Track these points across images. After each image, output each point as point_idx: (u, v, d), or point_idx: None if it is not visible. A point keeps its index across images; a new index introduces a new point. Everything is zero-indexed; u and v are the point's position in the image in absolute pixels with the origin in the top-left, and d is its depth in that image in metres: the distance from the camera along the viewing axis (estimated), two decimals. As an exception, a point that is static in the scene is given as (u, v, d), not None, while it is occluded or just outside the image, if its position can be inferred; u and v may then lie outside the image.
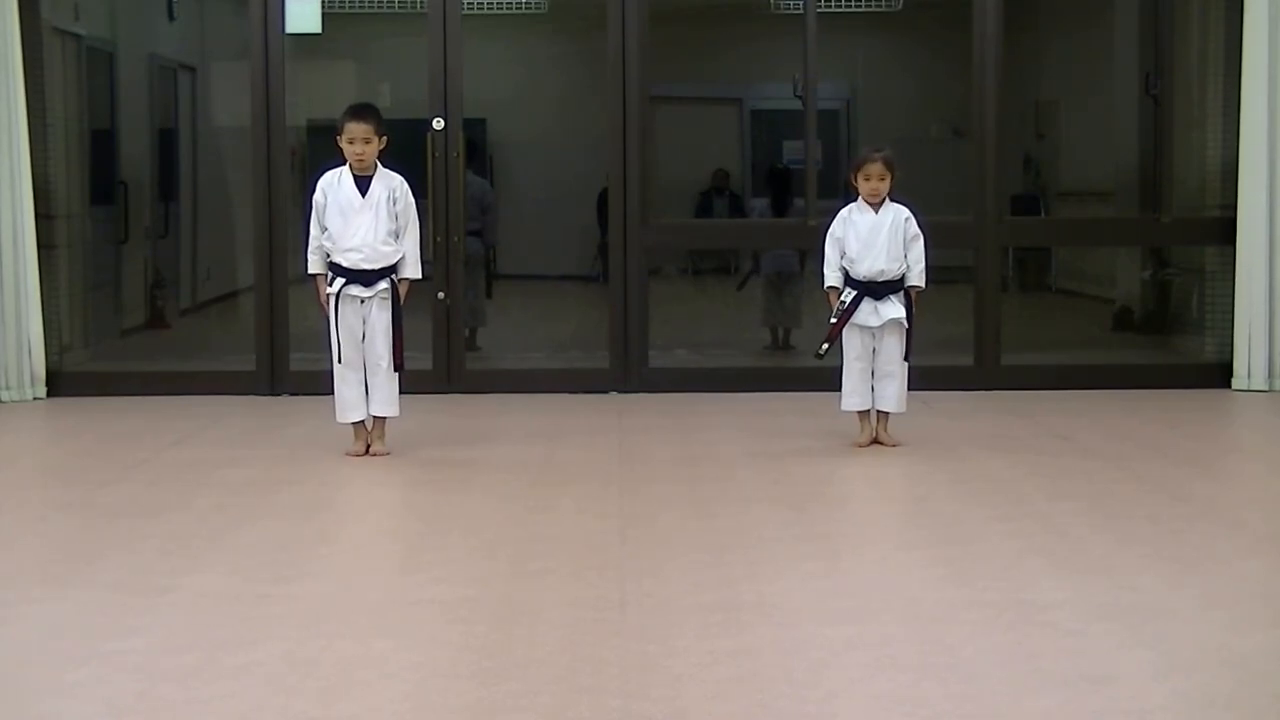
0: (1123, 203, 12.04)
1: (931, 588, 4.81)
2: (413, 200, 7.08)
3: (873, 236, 7.12)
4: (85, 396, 9.09)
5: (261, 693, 3.84)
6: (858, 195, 7.22)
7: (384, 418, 7.08)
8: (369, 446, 7.06)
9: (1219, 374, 9.21)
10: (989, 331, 9.29)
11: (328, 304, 6.97)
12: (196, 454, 7.31)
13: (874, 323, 7.14)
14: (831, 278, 7.20)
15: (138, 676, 3.96)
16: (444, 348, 9.16)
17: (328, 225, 6.94)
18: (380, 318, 6.98)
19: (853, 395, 7.22)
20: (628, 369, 9.27)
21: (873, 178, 7.16)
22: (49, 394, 9.07)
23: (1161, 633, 4.29)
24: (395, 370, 7.02)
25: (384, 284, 6.96)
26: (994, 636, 4.26)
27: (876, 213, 7.15)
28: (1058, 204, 14.43)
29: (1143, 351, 10.70)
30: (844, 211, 7.24)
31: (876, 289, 7.12)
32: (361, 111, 7.01)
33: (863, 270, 7.13)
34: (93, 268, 10.60)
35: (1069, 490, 6.29)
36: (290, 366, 9.16)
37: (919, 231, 7.16)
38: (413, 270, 7.05)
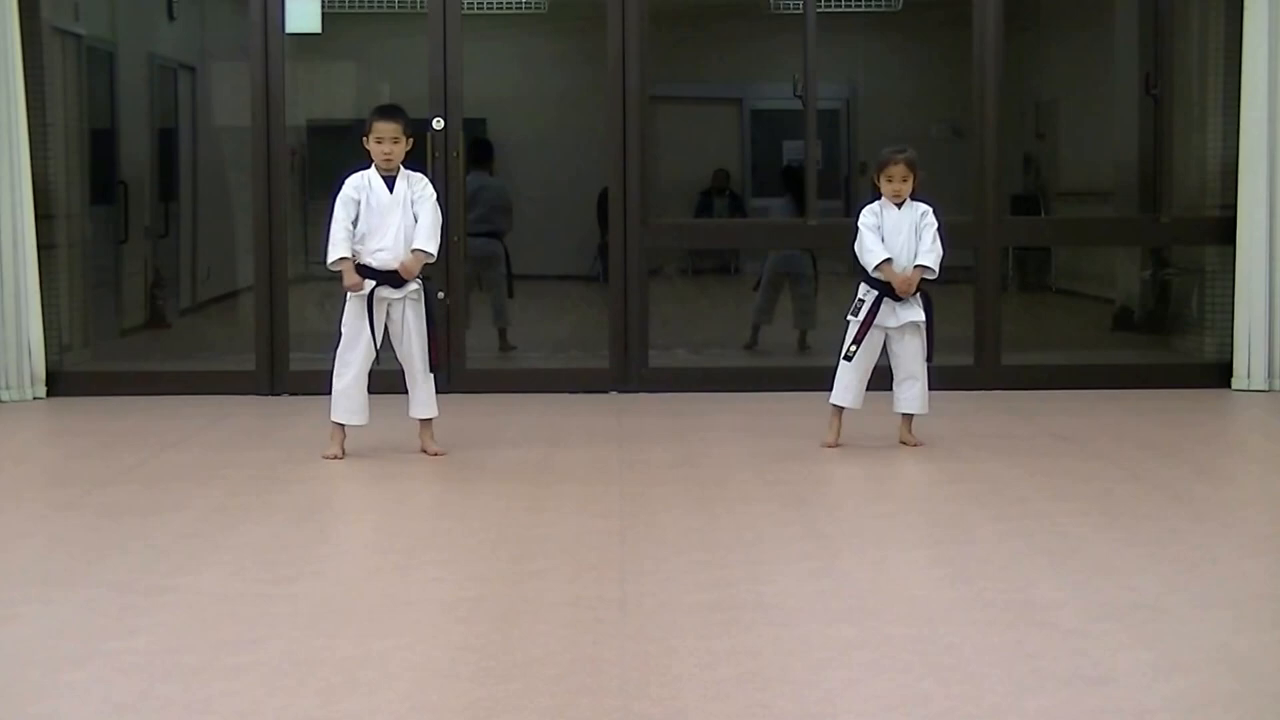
0: (1123, 203, 12.04)
1: (931, 588, 4.81)
2: (430, 190, 7.05)
3: (893, 236, 7.12)
4: (85, 396, 9.09)
5: (261, 693, 3.84)
6: (880, 195, 7.22)
7: (429, 419, 7.09)
8: (344, 451, 7.06)
9: (1219, 374, 9.21)
10: (989, 331, 9.29)
11: (360, 287, 6.88)
12: (196, 454, 7.31)
13: (891, 323, 7.14)
14: (881, 253, 7.08)
15: (138, 676, 3.96)
16: (444, 348, 9.14)
17: (361, 225, 6.90)
18: (414, 319, 6.97)
19: (846, 391, 7.20)
20: (628, 369, 9.27)
21: (895, 179, 7.16)
22: (49, 394, 9.07)
23: (1161, 633, 4.29)
24: (431, 370, 7.01)
25: (414, 285, 6.96)
26: (994, 636, 4.26)
27: (899, 210, 7.17)
28: (1058, 204, 14.42)
29: (1143, 351, 10.70)
30: (875, 205, 7.23)
31: (880, 286, 7.12)
32: (390, 112, 7.01)
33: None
34: (93, 268, 10.60)
35: (1069, 490, 6.29)
36: (290, 366, 9.16)
37: (934, 221, 7.16)
38: (426, 242, 6.90)
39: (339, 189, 6.98)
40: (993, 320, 9.29)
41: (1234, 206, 9.15)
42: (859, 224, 7.21)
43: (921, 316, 7.13)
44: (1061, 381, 9.19)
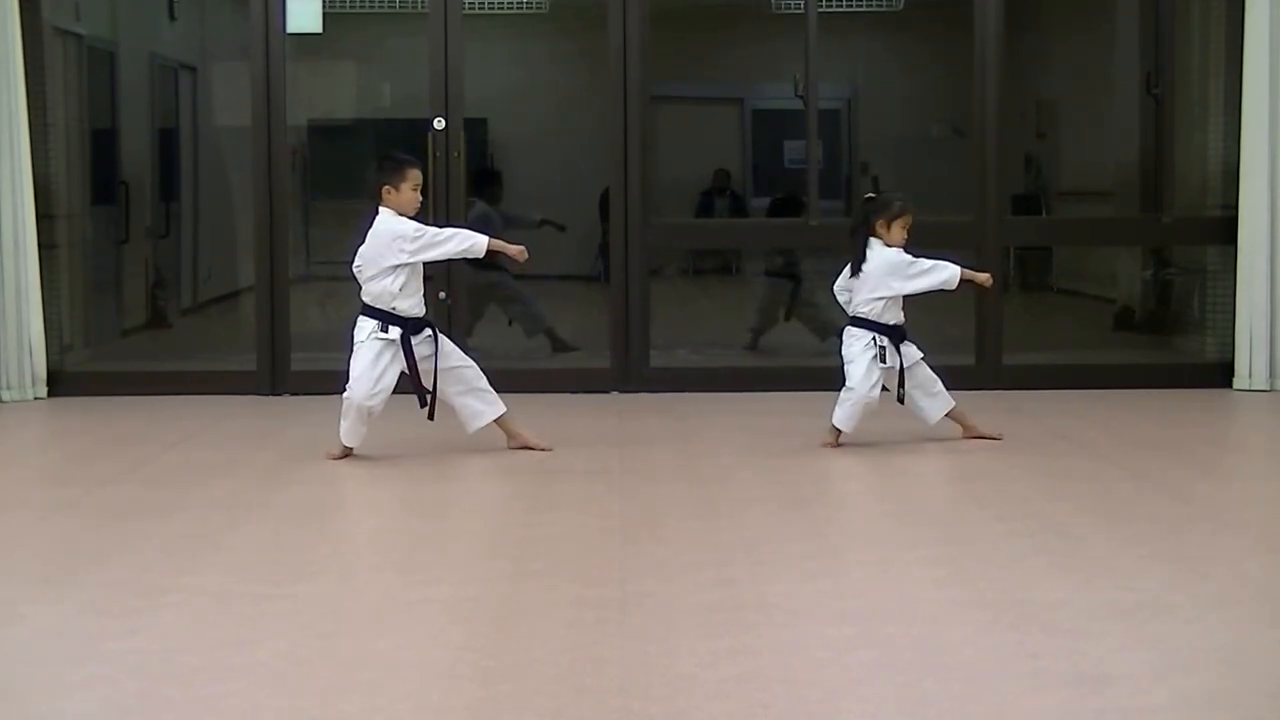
0: (1123, 202, 12.04)
1: (932, 588, 4.81)
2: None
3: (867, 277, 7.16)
4: (86, 396, 9.09)
5: (262, 692, 3.84)
6: (868, 238, 7.18)
7: (501, 415, 7.13)
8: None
9: (1220, 374, 9.20)
10: (990, 331, 9.29)
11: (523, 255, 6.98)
12: (197, 454, 7.31)
13: (895, 364, 7.16)
14: (947, 265, 7.22)
15: (138, 676, 3.96)
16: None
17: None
18: (432, 352, 6.96)
19: (850, 419, 7.19)
20: (628, 369, 9.27)
21: (908, 226, 7.18)
22: (50, 394, 9.07)
23: (1162, 633, 4.29)
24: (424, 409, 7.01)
25: (426, 332, 6.96)
26: (994, 636, 4.26)
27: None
28: (1059, 204, 14.42)
29: (1144, 351, 10.69)
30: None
31: (889, 331, 7.15)
32: (416, 159, 7.05)
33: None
34: (93, 267, 10.60)
35: (1069, 490, 6.29)
36: (291, 367, 9.16)
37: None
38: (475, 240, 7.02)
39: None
40: (994, 320, 9.29)
41: (1235, 206, 9.15)
42: (908, 257, 7.15)
43: (921, 355, 7.21)
44: (1062, 381, 9.19)
